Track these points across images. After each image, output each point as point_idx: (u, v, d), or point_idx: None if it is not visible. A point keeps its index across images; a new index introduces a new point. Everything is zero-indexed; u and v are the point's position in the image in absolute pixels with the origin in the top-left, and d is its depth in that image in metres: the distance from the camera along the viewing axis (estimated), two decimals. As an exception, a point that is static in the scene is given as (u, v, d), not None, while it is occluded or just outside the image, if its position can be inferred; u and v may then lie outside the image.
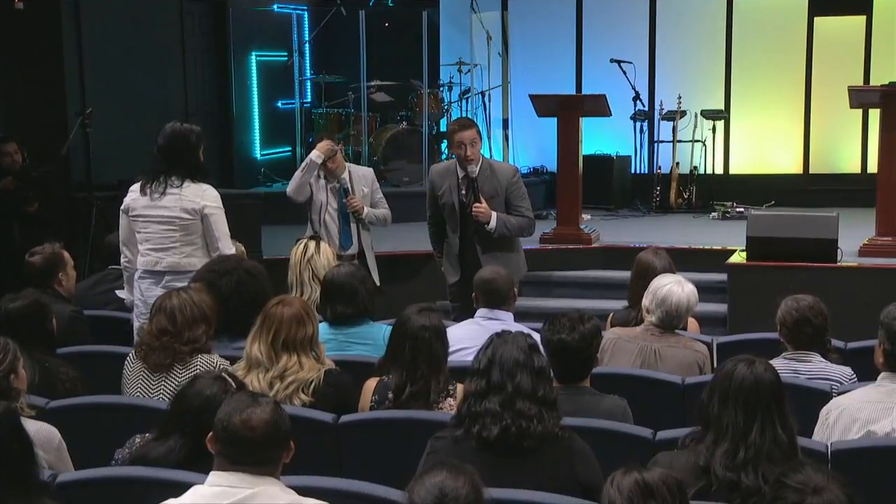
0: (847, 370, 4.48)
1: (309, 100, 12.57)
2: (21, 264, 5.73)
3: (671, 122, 11.44)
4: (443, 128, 11.74)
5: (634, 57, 11.51)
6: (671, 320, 4.76)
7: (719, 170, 11.86)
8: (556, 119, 9.16)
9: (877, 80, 10.74)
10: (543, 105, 9.28)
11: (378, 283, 6.84)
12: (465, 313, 5.80)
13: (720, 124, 11.71)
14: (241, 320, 4.63)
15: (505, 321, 4.85)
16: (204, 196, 5.51)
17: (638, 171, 11.75)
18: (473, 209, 6.44)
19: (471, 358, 3.62)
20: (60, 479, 3.36)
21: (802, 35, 11.73)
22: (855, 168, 11.73)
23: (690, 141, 11.50)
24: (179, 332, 4.25)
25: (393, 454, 3.77)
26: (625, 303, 5.71)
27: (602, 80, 11.41)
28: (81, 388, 4.39)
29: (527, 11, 12.40)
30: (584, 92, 11.98)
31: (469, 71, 11.77)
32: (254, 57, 12.34)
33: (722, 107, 11.85)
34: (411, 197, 9.72)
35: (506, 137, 12.28)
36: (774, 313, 4.54)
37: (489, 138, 11.99)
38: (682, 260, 6.83)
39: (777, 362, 4.25)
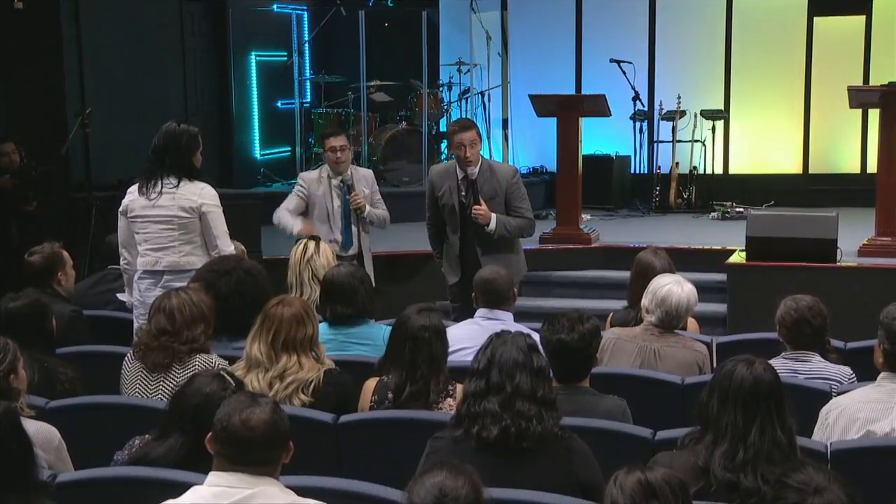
0: (846, 370, 4.48)
1: (308, 100, 12.57)
2: (19, 263, 5.72)
3: (671, 122, 11.44)
4: (442, 128, 11.74)
5: (634, 57, 11.51)
6: (671, 320, 4.76)
7: (719, 170, 11.86)
8: (555, 119, 9.16)
9: (876, 79, 10.74)
10: (543, 105, 9.27)
11: (374, 285, 6.84)
12: (465, 314, 5.80)
13: (720, 124, 11.71)
14: (241, 320, 4.63)
15: (504, 321, 4.85)
16: (202, 194, 5.51)
17: (637, 172, 11.76)
18: (473, 211, 6.44)
19: (470, 358, 3.62)
20: (60, 479, 3.36)
21: (802, 35, 11.73)
22: (854, 168, 11.73)
23: (690, 141, 11.50)
24: (178, 332, 4.24)
25: (392, 454, 3.77)
26: (624, 303, 5.71)
27: (601, 79, 11.40)
28: (81, 388, 4.39)
29: (526, 11, 12.40)
30: (583, 92, 11.98)
31: (469, 71, 11.76)
32: (253, 57, 12.34)
33: (721, 107, 11.86)
34: (411, 197, 9.72)
35: (505, 137, 12.28)
36: (774, 313, 4.54)
37: (489, 138, 11.99)
38: (682, 260, 6.83)
39: (776, 362, 4.25)
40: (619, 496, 2.53)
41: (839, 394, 4.06)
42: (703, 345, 4.94)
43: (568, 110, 9.10)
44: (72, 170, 9.20)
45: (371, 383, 4.19)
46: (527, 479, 3.22)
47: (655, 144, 11.79)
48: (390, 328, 4.30)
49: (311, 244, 5.43)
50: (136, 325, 5.52)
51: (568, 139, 9.07)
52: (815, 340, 4.49)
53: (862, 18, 11.58)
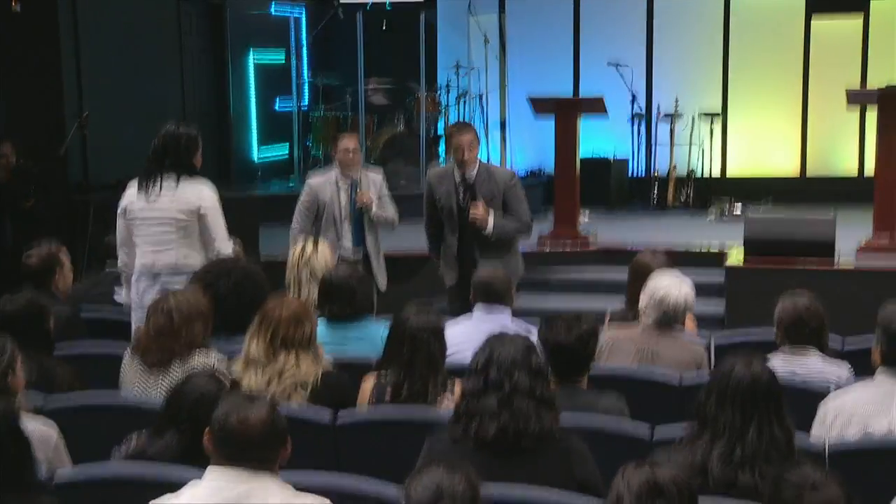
0: (844, 370, 4.48)
1: (306, 101, 12.57)
2: (12, 262, 5.71)
3: (668, 124, 11.46)
4: (440, 130, 11.76)
5: (632, 59, 11.54)
6: (668, 320, 4.77)
7: (716, 171, 11.89)
8: (553, 121, 9.16)
9: (874, 80, 10.77)
10: (541, 107, 9.29)
11: (383, 289, 6.83)
12: (463, 314, 5.81)
13: (717, 126, 11.73)
14: (239, 321, 4.63)
15: (503, 321, 4.85)
16: (201, 196, 5.52)
17: (635, 175, 11.77)
18: (470, 213, 6.44)
19: (468, 357, 3.63)
20: (58, 477, 3.36)
21: (799, 36, 11.76)
22: (852, 169, 11.76)
23: (688, 143, 11.51)
24: (177, 331, 4.25)
25: (390, 453, 3.77)
26: (622, 304, 5.71)
27: (599, 81, 11.43)
28: (78, 388, 4.39)
29: (524, 14, 12.41)
30: (581, 94, 12.01)
31: (466, 73, 11.79)
32: (251, 58, 12.36)
33: (719, 108, 11.89)
34: (409, 199, 9.70)
35: (503, 139, 12.29)
36: (772, 314, 4.54)
37: (487, 140, 12.00)
38: (680, 261, 6.81)
39: (774, 362, 4.25)
40: (624, 490, 2.53)
41: (837, 392, 4.07)
42: (701, 345, 4.94)
43: (566, 112, 9.11)
44: (70, 171, 9.20)
45: (369, 383, 4.19)
46: (524, 477, 3.22)
47: (653, 146, 11.81)
48: (388, 326, 4.30)
49: (310, 244, 5.44)
50: (134, 325, 5.52)
51: (566, 141, 9.08)
52: (812, 340, 4.49)
53: (860, 19, 11.61)
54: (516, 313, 5.24)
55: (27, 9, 9.00)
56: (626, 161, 11.77)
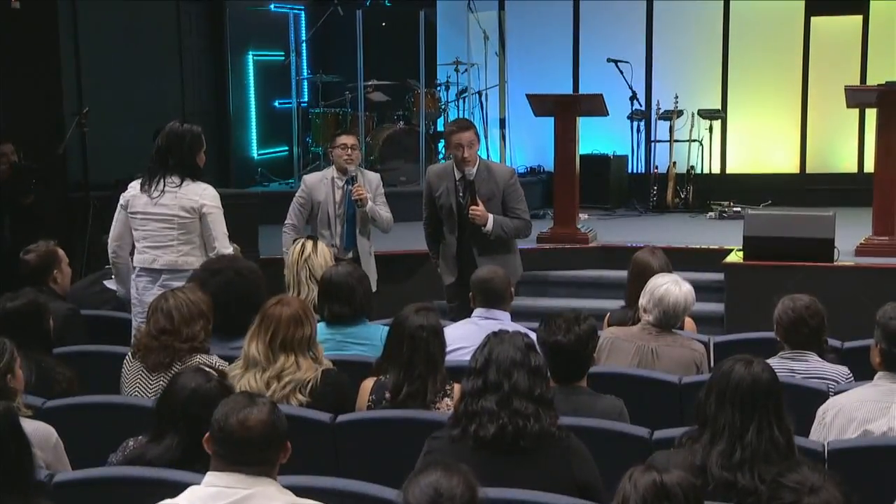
0: (844, 370, 4.48)
1: (306, 99, 12.56)
2: (11, 259, 5.70)
3: (668, 122, 11.45)
4: (440, 127, 11.75)
5: (631, 56, 11.53)
6: (668, 320, 4.77)
7: (716, 169, 11.88)
8: (553, 118, 9.16)
9: (873, 79, 10.75)
10: (540, 104, 9.28)
11: (373, 289, 6.80)
12: (462, 314, 5.80)
13: (717, 124, 11.72)
14: (230, 321, 4.62)
15: (502, 321, 4.85)
16: (203, 195, 5.53)
17: (635, 171, 11.77)
18: (470, 211, 6.41)
19: (468, 357, 3.63)
20: (57, 478, 3.36)
21: (799, 35, 11.74)
22: (851, 167, 11.75)
23: (687, 140, 11.51)
24: (178, 331, 4.25)
25: (390, 454, 3.77)
26: (621, 302, 5.71)
27: (599, 79, 11.42)
28: (78, 388, 4.39)
29: (524, 11, 12.40)
30: (581, 91, 12.00)
31: (466, 70, 11.78)
32: (251, 56, 12.35)
33: (719, 106, 11.87)
34: (408, 197, 9.71)
35: (503, 137, 12.27)
36: (771, 313, 4.54)
37: (486, 138, 11.97)
38: (679, 259, 6.83)
39: (774, 362, 4.25)
40: (631, 492, 2.53)
41: (836, 393, 4.07)
42: (701, 344, 4.94)
43: (565, 110, 9.10)
44: (69, 169, 9.19)
45: (368, 383, 4.19)
46: (524, 478, 3.22)
47: (653, 144, 11.80)
48: (388, 328, 4.30)
49: (309, 244, 5.43)
50: (134, 322, 5.53)
51: (565, 139, 9.07)
52: (812, 340, 4.49)
53: (859, 18, 11.59)
54: (515, 313, 5.24)
55: (26, 7, 8.99)
56: (626, 157, 11.76)
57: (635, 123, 11.59)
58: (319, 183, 6.92)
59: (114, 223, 5.70)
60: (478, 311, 5.01)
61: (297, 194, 7.03)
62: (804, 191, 11.35)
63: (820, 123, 11.76)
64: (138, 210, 5.55)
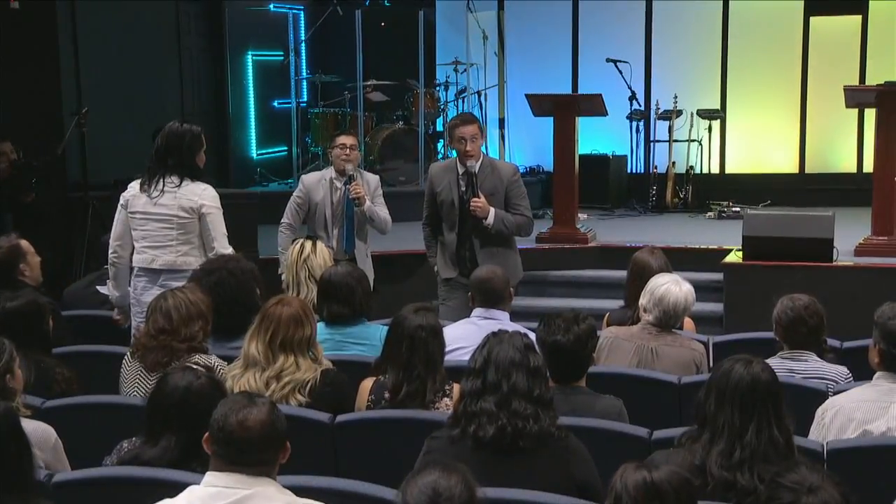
0: (843, 370, 4.48)
1: (305, 99, 12.56)
2: None
3: (667, 122, 11.46)
4: (439, 127, 11.74)
5: (631, 56, 11.53)
6: (668, 319, 4.77)
7: (715, 169, 11.88)
8: (552, 118, 9.16)
9: (872, 79, 10.75)
10: (539, 105, 9.28)
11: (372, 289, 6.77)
12: (459, 312, 5.80)
13: (716, 124, 11.73)
14: (222, 320, 4.61)
15: (501, 321, 4.85)
16: (203, 195, 5.53)
17: (634, 171, 11.78)
18: (471, 204, 6.37)
19: (467, 357, 3.63)
20: (56, 478, 3.36)
21: (798, 35, 11.74)
22: (851, 167, 11.75)
23: (686, 140, 11.52)
24: (176, 330, 4.25)
25: (389, 454, 3.77)
26: (620, 302, 5.71)
27: (598, 79, 11.42)
28: (76, 387, 4.39)
29: (523, 11, 12.40)
30: (580, 91, 12.00)
31: (465, 70, 11.77)
32: (250, 56, 12.34)
33: (718, 106, 11.87)
34: (407, 197, 9.72)
35: (502, 137, 12.28)
36: (770, 313, 4.54)
37: (485, 138, 11.97)
38: (678, 259, 6.83)
39: (773, 362, 4.25)
40: (622, 490, 2.54)
41: (835, 393, 4.07)
42: (701, 344, 4.94)
43: (564, 110, 9.10)
44: (68, 169, 9.19)
45: (368, 383, 4.19)
46: (523, 478, 3.22)
47: (652, 144, 11.81)
48: (387, 328, 4.30)
49: (308, 244, 5.43)
50: (133, 322, 5.53)
51: (565, 139, 9.07)
52: (811, 340, 4.50)
53: (858, 18, 11.59)
54: (514, 312, 5.24)
55: (26, 7, 8.99)
56: (625, 157, 11.77)
57: (634, 123, 11.59)
58: (318, 184, 6.89)
59: (114, 223, 5.69)
60: (477, 311, 5.01)
61: (294, 194, 7.00)
62: (803, 191, 11.34)
63: (819, 123, 11.76)
64: (138, 210, 5.55)
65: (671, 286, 4.77)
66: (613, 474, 2.63)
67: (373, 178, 7.03)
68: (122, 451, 3.43)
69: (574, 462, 3.35)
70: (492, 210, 6.39)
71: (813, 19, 11.73)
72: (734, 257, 7.95)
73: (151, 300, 4.54)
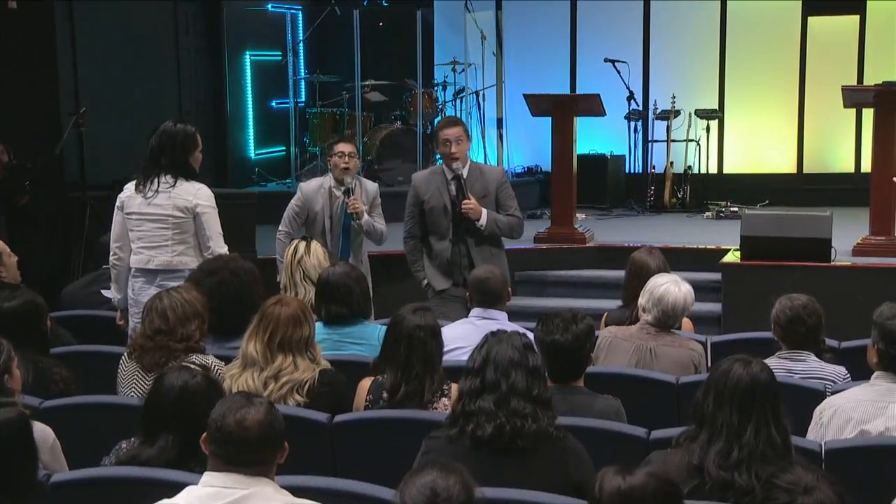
0: (841, 369, 4.48)
1: (303, 99, 12.56)
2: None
3: (665, 122, 11.46)
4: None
5: (629, 57, 11.54)
6: (667, 319, 4.77)
7: (713, 169, 11.88)
8: (550, 118, 9.16)
9: (870, 79, 10.76)
10: (538, 104, 9.28)
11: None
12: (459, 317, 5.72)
13: (714, 124, 11.73)
14: (224, 321, 4.62)
15: (499, 321, 4.86)
16: (197, 195, 5.52)
17: (632, 171, 11.78)
18: (463, 206, 6.26)
19: (465, 357, 3.63)
20: (54, 479, 3.35)
21: (796, 35, 11.75)
22: (848, 167, 11.75)
23: (684, 140, 11.52)
24: (173, 330, 4.25)
25: (387, 454, 3.77)
26: (619, 302, 5.71)
27: (596, 79, 11.43)
28: (74, 387, 4.38)
29: (521, 11, 12.40)
30: (578, 91, 12.01)
31: (463, 70, 11.78)
32: (248, 56, 12.34)
33: (716, 106, 11.88)
34: (405, 197, 9.67)
35: (500, 137, 12.28)
36: (768, 313, 4.55)
37: (483, 138, 12.00)
38: (677, 259, 6.83)
39: (771, 361, 4.26)
40: (599, 497, 2.54)
41: (833, 393, 4.07)
42: (699, 344, 4.94)
43: (563, 110, 9.10)
44: (66, 169, 9.18)
45: (366, 383, 4.19)
46: (522, 477, 3.22)
47: (650, 144, 11.81)
48: (385, 328, 4.30)
49: (302, 245, 5.42)
50: (130, 323, 5.53)
51: (563, 139, 9.07)
52: (809, 340, 4.50)
53: (856, 18, 11.60)
54: (512, 312, 5.24)
55: (23, 6, 8.98)
56: (623, 157, 11.77)
57: (632, 123, 11.59)
58: (317, 192, 6.77)
59: (113, 225, 5.69)
60: (475, 311, 5.01)
61: (292, 201, 6.86)
62: (801, 191, 11.35)
63: (817, 123, 11.76)
64: (133, 211, 5.55)
65: (670, 286, 4.77)
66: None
67: (372, 187, 6.91)
68: (121, 452, 3.43)
69: (572, 462, 3.35)
70: (484, 211, 6.29)
71: (811, 19, 11.73)
72: (732, 257, 7.95)
73: (147, 300, 4.54)
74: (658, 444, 3.59)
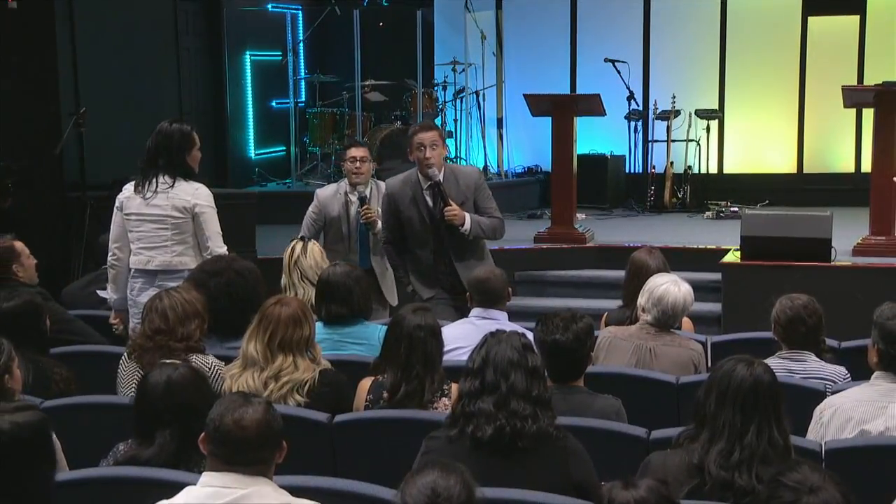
0: (841, 369, 4.48)
1: (303, 99, 12.57)
2: None
3: (665, 122, 11.46)
4: (437, 127, 11.74)
5: (629, 56, 11.54)
6: (667, 319, 4.77)
7: (713, 169, 11.89)
8: (550, 118, 9.16)
9: (870, 79, 10.76)
10: (538, 104, 9.28)
11: (394, 304, 6.63)
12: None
13: (714, 124, 11.74)
14: (231, 321, 4.63)
15: (499, 321, 4.85)
16: (196, 195, 5.51)
17: (632, 171, 11.78)
18: (446, 213, 5.99)
19: (465, 357, 3.62)
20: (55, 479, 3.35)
21: (796, 35, 11.75)
22: (848, 167, 11.75)
23: (685, 140, 11.52)
24: (173, 330, 4.25)
25: (387, 454, 3.77)
26: (619, 302, 5.71)
27: (596, 79, 11.43)
28: (75, 387, 4.39)
29: (521, 11, 12.41)
30: (578, 91, 12.01)
31: (463, 70, 11.78)
32: (248, 56, 12.35)
33: (716, 106, 11.88)
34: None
35: (500, 137, 12.29)
36: (768, 313, 4.54)
37: (483, 138, 12.01)
38: (677, 259, 6.83)
39: (771, 361, 4.25)
40: None
41: (833, 393, 4.07)
42: (699, 344, 4.94)
43: (563, 110, 9.11)
44: (66, 169, 9.18)
45: (366, 383, 4.19)
46: (522, 478, 3.22)
47: (650, 144, 11.81)
48: (385, 328, 4.30)
49: (298, 246, 5.41)
50: (130, 323, 5.53)
51: (563, 139, 9.08)
52: (810, 339, 4.50)
53: (856, 18, 11.60)
54: (512, 312, 5.24)
55: (23, 5, 8.97)
56: (623, 157, 11.77)
57: (633, 123, 11.60)
58: (332, 199, 6.73)
59: (112, 226, 5.68)
60: (475, 311, 5.01)
61: (309, 209, 6.79)
62: (801, 191, 11.35)
63: (817, 123, 11.77)
64: (132, 211, 5.54)
65: (670, 286, 4.76)
66: (612, 474, 2.62)
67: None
68: (118, 454, 3.43)
69: (572, 462, 3.35)
70: (467, 216, 6.04)
71: (811, 19, 11.73)
72: (732, 257, 7.95)
73: (147, 300, 4.54)
74: (658, 444, 3.59)
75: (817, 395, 4.14)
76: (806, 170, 11.92)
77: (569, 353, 3.90)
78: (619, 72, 11.24)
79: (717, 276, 7.92)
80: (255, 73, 12.41)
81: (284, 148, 12.28)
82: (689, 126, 11.53)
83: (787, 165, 12.00)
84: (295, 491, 2.96)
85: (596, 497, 3.20)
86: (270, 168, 12.19)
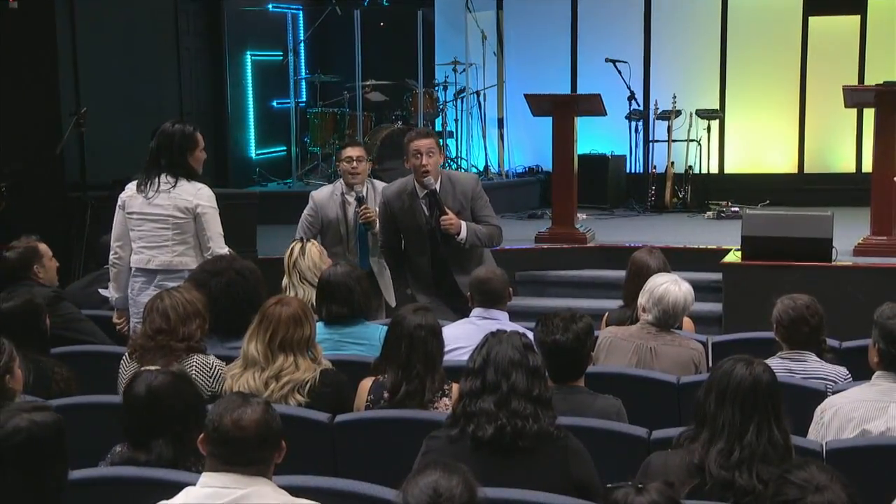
0: (842, 370, 4.48)
1: (304, 99, 12.57)
2: None
3: (666, 122, 11.46)
4: (438, 127, 11.75)
5: (629, 56, 11.54)
6: (667, 319, 4.77)
7: (714, 169, 11.89)
8: (551, 118, 9.16)
9: (871, 79, 10.76)
10: (538, 104, 9.28)
11: (393, 304, 6.59)
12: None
13: (715, 124, 11.74)
14: (231, 321, 4.63)
15: (500, 321, 4.85)
16: (198, 195, 5.52)
17: (633, 171, 11.78)
18: (442, 222, 5.96)
19: (466, 357, 3.62)
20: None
21: (797, 34, 11.75)
22: (849, 167, 11.76)
23: (685, 140, 11.52)
24: (174, 330, 4.24)
25: (388, 454, 3.77)
26: (619, 302, 5.71)
27: (597, 79, 11.43)
28: (75, 387, 4.39)
29: (522, 11, 12.41)
30: (579, 91, 12.01)
31: (464, 70, 11.78)
32: (249, 56, 12.35)
33: (717, 106, 11.88)
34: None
35: (501, 137, 12.29)
36: (769, 313, 4.54)
37: (484, 138, 12.01)
38: (677, 259, 6.84)
39: (772, 362, 4.25)
40: None
41: (834, 393, 4.07)
42: (700, 344, 4.94)
43: (563, 110, 9.10)
44: (66, 169, 9.18)
45: (367, 383, 4.19)
46: (522, 478, 3.22)
47: (651, 144, 11.82)
48: (386, 328, 4.30)
49: (297, 247, 5.40)
50: (131, 324, 5.53)
51: (563, 139, 9.07)
52: (811, 340, 4.50)
53: (857, 18, 11.60)
54: (513, 312, 5.24)
55: (24, 5, 8.98)
56: (624, 157, 11.77)
57: (633, 123, 11.60)
58: (329, 200, 6.67)
59: (114, 225, 5.69)
60: (476, 311, 5.01)
61: (305, 211, 6.73)
62: (802, 191, 11.35)
63: (818, 123, 11.77)
64: (134, 210, 5.55)
65: (670, 286, 4.76)
66: (612, 474, 2.62)
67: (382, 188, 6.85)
68: (115, 456, 3.43)
69: (573, 462, 3.35)
70: (463, 224, 6.00)
71: (812, 19, 11.73)
72: (733, 257, 7.95)
73: (147, 300, 4.54)
74: (659, 444, 3.59)
75: (818, 396, 4.14)
76: (807, 170, 11.92)
77: (569, 353, 3.90)
78: (619, 72, 11.24)
79: (717, 276, 7.92)
80: (256, 72, 12.41)
81: (285, 148, 12.29)
82: (690, 126, 11.53)
83: (788, 165, 12.00)
84: (295, 491, 2.96)
85: (597, 496, 3.22)
86: (271, 168, 12.19)
